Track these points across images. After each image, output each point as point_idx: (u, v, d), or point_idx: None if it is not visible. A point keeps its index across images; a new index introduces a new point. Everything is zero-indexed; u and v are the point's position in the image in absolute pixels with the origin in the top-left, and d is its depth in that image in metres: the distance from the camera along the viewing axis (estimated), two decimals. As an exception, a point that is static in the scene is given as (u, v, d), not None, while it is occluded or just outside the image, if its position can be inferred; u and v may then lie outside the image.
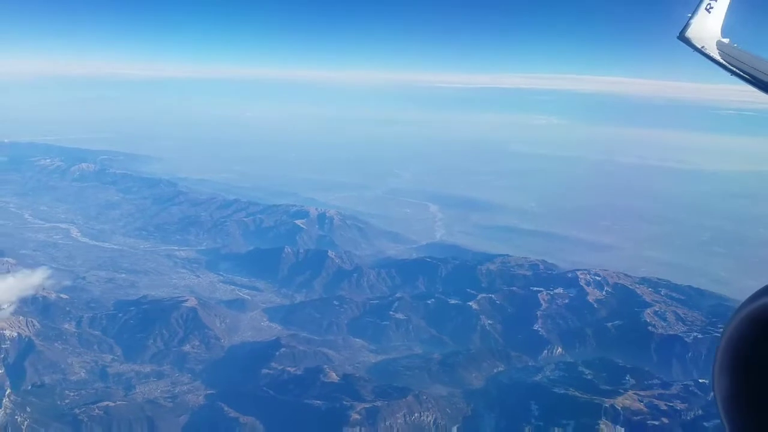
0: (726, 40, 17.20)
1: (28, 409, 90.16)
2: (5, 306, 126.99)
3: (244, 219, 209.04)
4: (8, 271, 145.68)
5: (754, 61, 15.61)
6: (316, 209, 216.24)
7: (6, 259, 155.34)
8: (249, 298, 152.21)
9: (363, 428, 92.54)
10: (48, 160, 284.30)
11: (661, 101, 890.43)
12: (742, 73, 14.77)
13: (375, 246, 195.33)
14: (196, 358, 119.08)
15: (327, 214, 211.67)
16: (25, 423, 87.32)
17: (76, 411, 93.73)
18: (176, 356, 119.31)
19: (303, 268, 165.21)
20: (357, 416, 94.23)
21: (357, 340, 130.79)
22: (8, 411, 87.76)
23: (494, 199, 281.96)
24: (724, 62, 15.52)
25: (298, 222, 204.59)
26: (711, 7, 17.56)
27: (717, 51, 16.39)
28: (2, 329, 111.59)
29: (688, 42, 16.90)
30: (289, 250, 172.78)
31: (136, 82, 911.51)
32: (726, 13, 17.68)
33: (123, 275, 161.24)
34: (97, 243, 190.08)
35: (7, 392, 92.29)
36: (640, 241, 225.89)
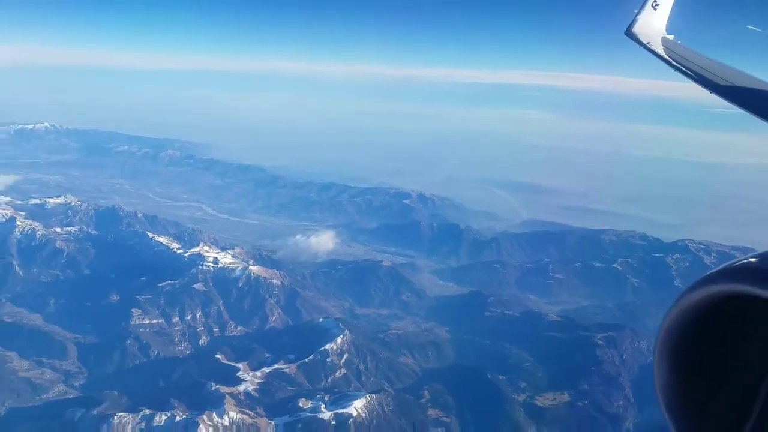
0: (671, 37, 17.84)
1: (355, 332, 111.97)
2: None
3: (355, 199, 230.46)
4: (207, 238, 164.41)
5: (695, 57, 16.22)
6: (413, 191, 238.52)
7: (190, 226, 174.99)
8: (408, 263, 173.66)
9: (609, 349, 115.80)
10: (126, 147, 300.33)
11: (647, 99, 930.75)
12: (684, 69, 15.43)
13: (478, 222, 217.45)
14: (416, 305, 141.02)
15: (426, 195, 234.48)
16: (359, 341, 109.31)
17: (380, 335, 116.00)
18: (399, 303, 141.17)
19: (443, 239, 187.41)
20: (601, 342, 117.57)
21: (529, 295, 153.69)
22: (347, 332, 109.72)
23: (547, 184, 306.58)
24: (668, 58, 16.14)
25: (406, 202, 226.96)
26: (657, 4, 18.14)
27: (662, 47, 16.97)
28: (271, 279, 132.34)
29: (634, 38, 17.44)
30: (425, 223, 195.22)
31: (120, 73, 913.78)
32: (671, 11, 18.38)
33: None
34: (238, 219, 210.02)
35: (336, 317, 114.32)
36: (696, 220, 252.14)
